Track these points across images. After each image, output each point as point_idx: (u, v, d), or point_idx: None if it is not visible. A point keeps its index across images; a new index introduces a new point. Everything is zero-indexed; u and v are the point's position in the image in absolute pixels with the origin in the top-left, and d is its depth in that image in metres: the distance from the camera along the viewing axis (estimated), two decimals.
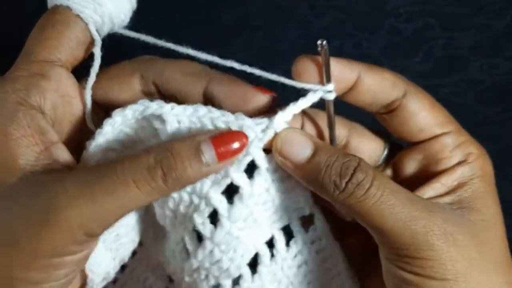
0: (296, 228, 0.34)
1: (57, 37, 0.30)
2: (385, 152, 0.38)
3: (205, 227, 0.32)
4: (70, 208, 0.26)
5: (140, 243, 0.41)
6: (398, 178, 0.36)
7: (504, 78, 0.52)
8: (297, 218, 0.34)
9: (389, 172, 0.37)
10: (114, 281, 0.42)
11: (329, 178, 0.30)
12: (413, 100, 0.34)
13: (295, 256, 0.34)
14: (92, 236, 0.28)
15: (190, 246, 0.33)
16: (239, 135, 0.30)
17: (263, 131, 0.31)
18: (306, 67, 0.33)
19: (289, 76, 0.53)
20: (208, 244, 0.32)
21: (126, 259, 0.36)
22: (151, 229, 0.39)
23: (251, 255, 0.33)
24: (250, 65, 0.53)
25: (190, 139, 0.29)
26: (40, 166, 0.28)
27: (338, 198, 0.30)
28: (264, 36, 0.52)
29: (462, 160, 0.34)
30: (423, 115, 0.34)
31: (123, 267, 0.42)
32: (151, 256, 0.41)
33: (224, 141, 0.29)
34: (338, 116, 0.37)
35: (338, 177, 0.30)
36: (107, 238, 0.34)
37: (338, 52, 0.54)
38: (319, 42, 0.31)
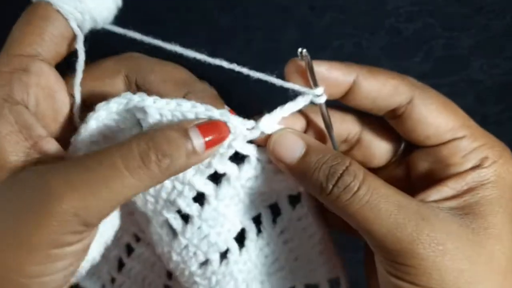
0: (283, 205, 0.35)
1: (38, 32, 0.30)
2: (401, 148, 0.37)
3: (191, 208, 0.33)
4: (65, 199, 0.26)
5: (137, 239, 0.42)
6: (410, 177, 0.36)
7: (504, 78, 0.52)
8: (285, 196, 0.35)
9: (401, 170, 0.37)
10: (112, 280, 0.43)
11: (316, 180, 0.30)
12: (419, 107, 0.33)
13: (282, 232, 0.35)
14: (89, 226, 0.28)
15: (177, 227, 0.34)
16: (222, 125, 0.30)
17: (248, 130, 0.32)
18: (296, 70, 0.33)
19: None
20: (196, 221, 0.33)
21: (109, 242, 0.37)
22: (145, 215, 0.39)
23: (238, 229, 0.35)
24: (250, 65, 0.53)
25: (178, 126, 0.29)
26: (30, 161, 0.28)
27: (325, 200, 0.30)
28: (263, 36, 0.52)
29: (476, 165, 0.33)
30: (431, 122, 0.33)
31: (120, 267, 0.43)
32: (148, 252, 0.42)
33: (210, 130, 0.30)
34: (352, 112, 0.37)
35: (325, 180, 0.30)
36: None
37: (338, 52, 0.54)
38: (299, 50, 0.31)
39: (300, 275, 0.37)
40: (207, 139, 0.30)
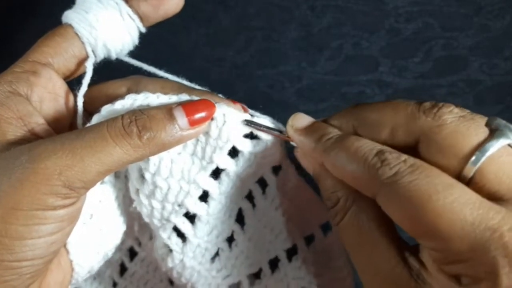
0: (268, 177, 0.36)
1: (54, 46, 0.34)
2: None
3: (198, 206, 0.34)
4: (52, 157, 0.28)
5: (139, 243, 0.42)
6: None
7: (504, 78, 0.52)
8: (269, 169, 0.36)
9: None
10: (114, 285, 0.43)
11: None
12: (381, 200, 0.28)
13: (272, 200, 0.37)
14: (73, 189, 0.28)
15: (186, 230, 0.36)
16: (207, 103, 0.32)
17: (244, 123, 0.33)
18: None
19: (289, 75, 0.53)
20: (204, 218, 0.35)
21: (110, 254, 0.37)
22: (147, 229, 0.40)
23: (236, 211, 0.37)
24: (250, 65, 0.53)
25: (163, 105, 0.32)
26: (27, 141, 0.30)
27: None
28: (264, 36, 0.52)
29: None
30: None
31: (122, 271, 0.42)
32: (151, 257, 0.42)
33: (194, 108, 0.31)
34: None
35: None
36: (91, 232, 0.35)
37: (338, 52, 0.53)
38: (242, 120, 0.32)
39: (297, 233, 0.38)
40: (192, 115, 0.31)
